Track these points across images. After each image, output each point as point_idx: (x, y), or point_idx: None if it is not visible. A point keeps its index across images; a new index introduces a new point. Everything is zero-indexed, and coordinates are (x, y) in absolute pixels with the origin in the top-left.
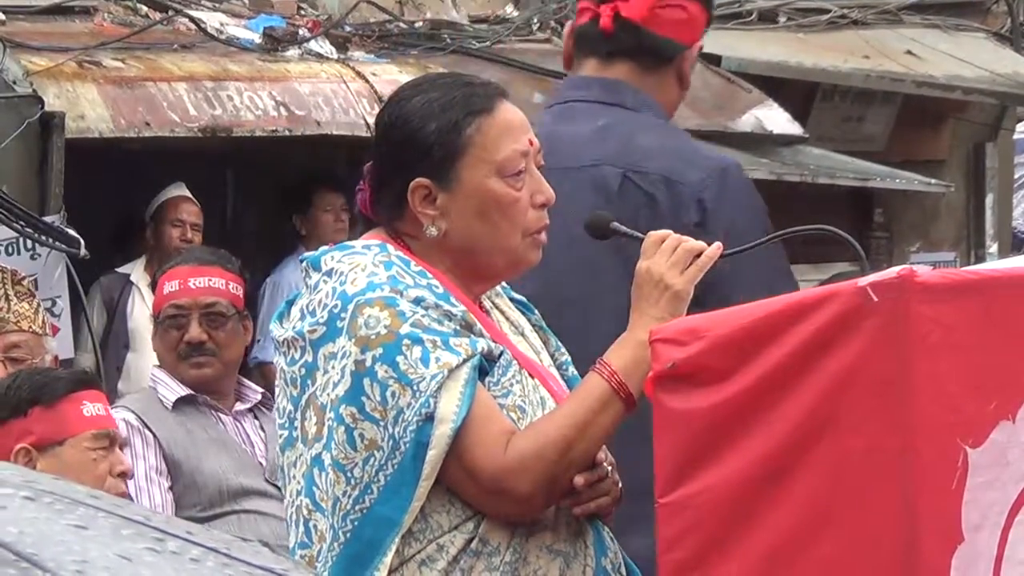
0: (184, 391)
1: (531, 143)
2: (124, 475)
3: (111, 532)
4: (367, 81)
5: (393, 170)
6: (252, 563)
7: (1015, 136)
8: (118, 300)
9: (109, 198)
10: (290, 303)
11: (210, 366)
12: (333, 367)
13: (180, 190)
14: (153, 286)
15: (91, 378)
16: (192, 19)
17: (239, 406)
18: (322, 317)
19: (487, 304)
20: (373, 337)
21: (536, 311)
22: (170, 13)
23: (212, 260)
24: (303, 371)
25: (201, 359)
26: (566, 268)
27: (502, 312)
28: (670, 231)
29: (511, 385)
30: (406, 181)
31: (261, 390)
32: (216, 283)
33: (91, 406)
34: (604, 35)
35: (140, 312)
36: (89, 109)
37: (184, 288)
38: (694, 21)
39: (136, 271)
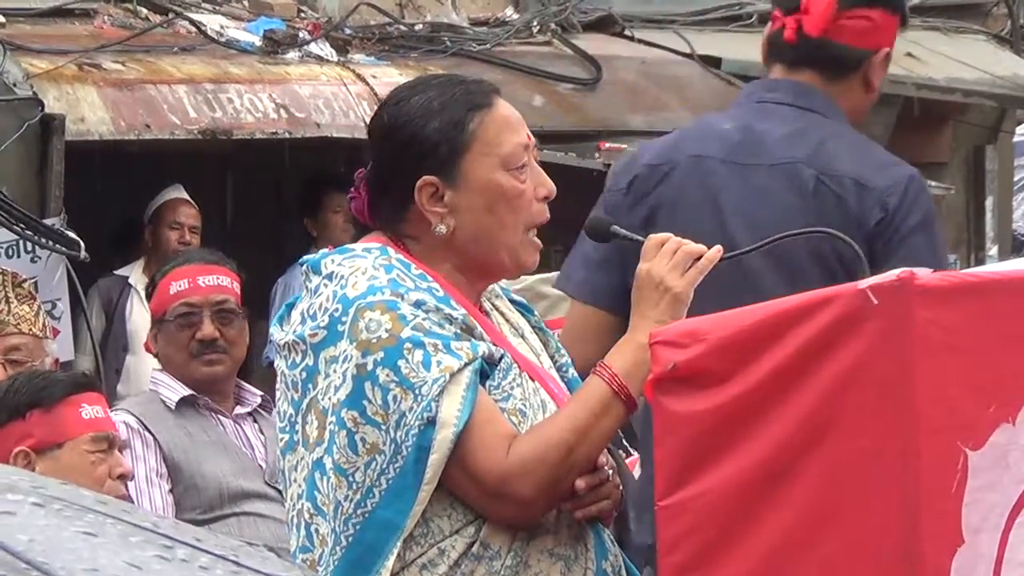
0: (186, 391)
1: (529, 138)
2: (123, 477)
3: (120, 539)
4: (367, 83)
5: (397, 171)
6: (260, 571)
7: (1015, 139)
8: (116, 303)
9: (109, 201)
10: (290, 306)
11: (222, 363)
12: (334, 371)
13: (178, 192)
14: (150, 288)
15: (90, 381)
16: (192, 22)
17: (239, 409)
18: (323, 321)
19: (487, 306)
20: (374, 341)
21: (536, 312)
22: (170, 16)
23: (215, 260)
24: (304, 375)
25: (214, 356)
26: (760, 262)
27: (502, 314)
28: (670, 234)
29: (512, 388)
30: (411, 181)
31: (260, 393)
32: (223, 281)
33: (90, 409)
34: (789, 45)
35: (139, 314)
36: (89, 111)
37: (194, 286)
38: (880, 28)
39: (134, 274)
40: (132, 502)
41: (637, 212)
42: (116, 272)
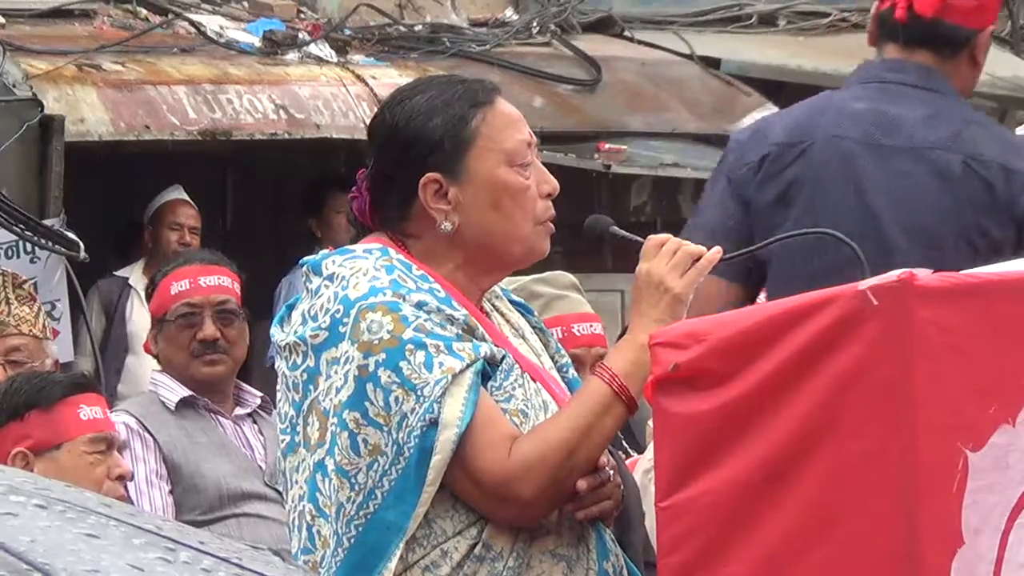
0: (186, 392)
1: (531, 135)
2: (122, 478)
3: (123, 541)
4: (367, 84)
5: (400, 170)
6: (264, 574)
7: None
8: (117, 303)
9: (109, 201)
10: (290, 307)
11: (223, 363)
12: (336, 372)
13: (178, 193)
14: (150, 288)
15: (89, 382)
16: (192, 22)
17: (239, 410)
18: (324, 322)
19: (487, 307)
20: (376, 342)
21: (536, 313)
22: (170, 16)
23: (216, 260)
24: (305, 376)
25: (215, 356)
26: (903, 240)
27: (502, 315)
28: (670, 235)
29: (513, 389)
30: (415, 179)
31: (260, 394)
32: (224, 281)
33: (88, 410)
34: (901, 25)
35: (139, 315)
36: (89, 112)
37: (196, 286)
38: (986, 6)
39: (134, 274)
40: (131, 503)
41: (769, 189)
42: (116, 273)
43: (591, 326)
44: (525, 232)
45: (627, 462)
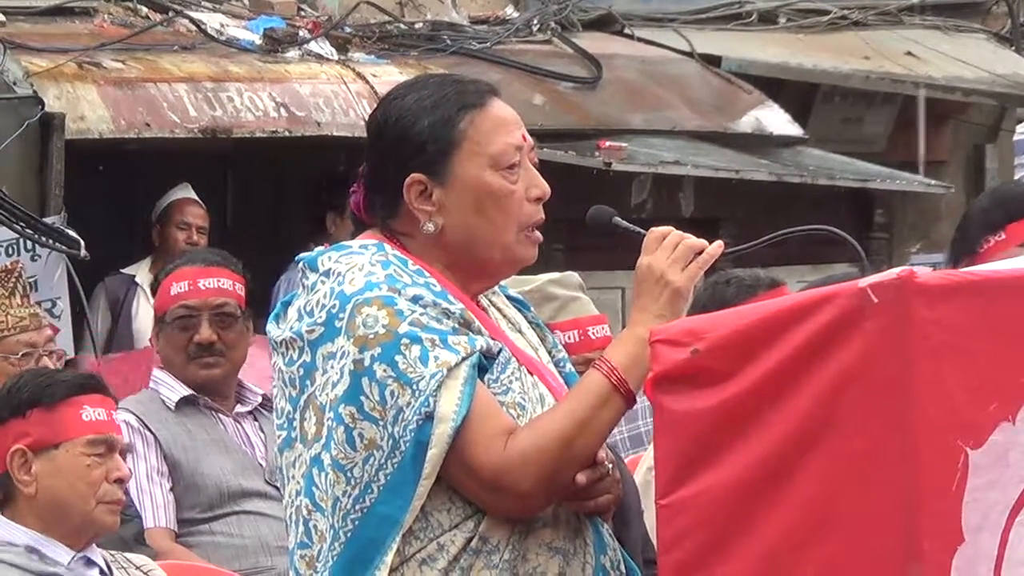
0: (186, 391)
1: (524, 138)
2: (120, 481)
3: None
4: (367, 82)
5: (388, 168)
6: None
7: (1015, 137)
8: (123, 301)
9: (110, 199)
10: (286, 304)
11: (219, 367)
12: (332, 367)
13: (186, 192)
14: (155, 286)
15: (96, 382)
16: (192, 20)
17: (239, 408)
18: (320, 317)
19: (484, 302)
20: (371, 336)
21: (532, 308)
22: (170, 14)
23: (218, 261)
24: (301, 371)
25: (211, 359)
26: None
27: (499, 309)
28: (671, 228)
29: (510, 382)
30: (401, 178)
31: (262, 392)
32: (224, 284)
33: (91, 411)
34: None
35: (145, 313)
36: (89, 110)
37: (194, 289)
38: None
39: (141, 272)
40: (132, 504)
41: None
42: (122, 271)
43: (604, 328)
44: (507, 238)
45: (629, 459)
